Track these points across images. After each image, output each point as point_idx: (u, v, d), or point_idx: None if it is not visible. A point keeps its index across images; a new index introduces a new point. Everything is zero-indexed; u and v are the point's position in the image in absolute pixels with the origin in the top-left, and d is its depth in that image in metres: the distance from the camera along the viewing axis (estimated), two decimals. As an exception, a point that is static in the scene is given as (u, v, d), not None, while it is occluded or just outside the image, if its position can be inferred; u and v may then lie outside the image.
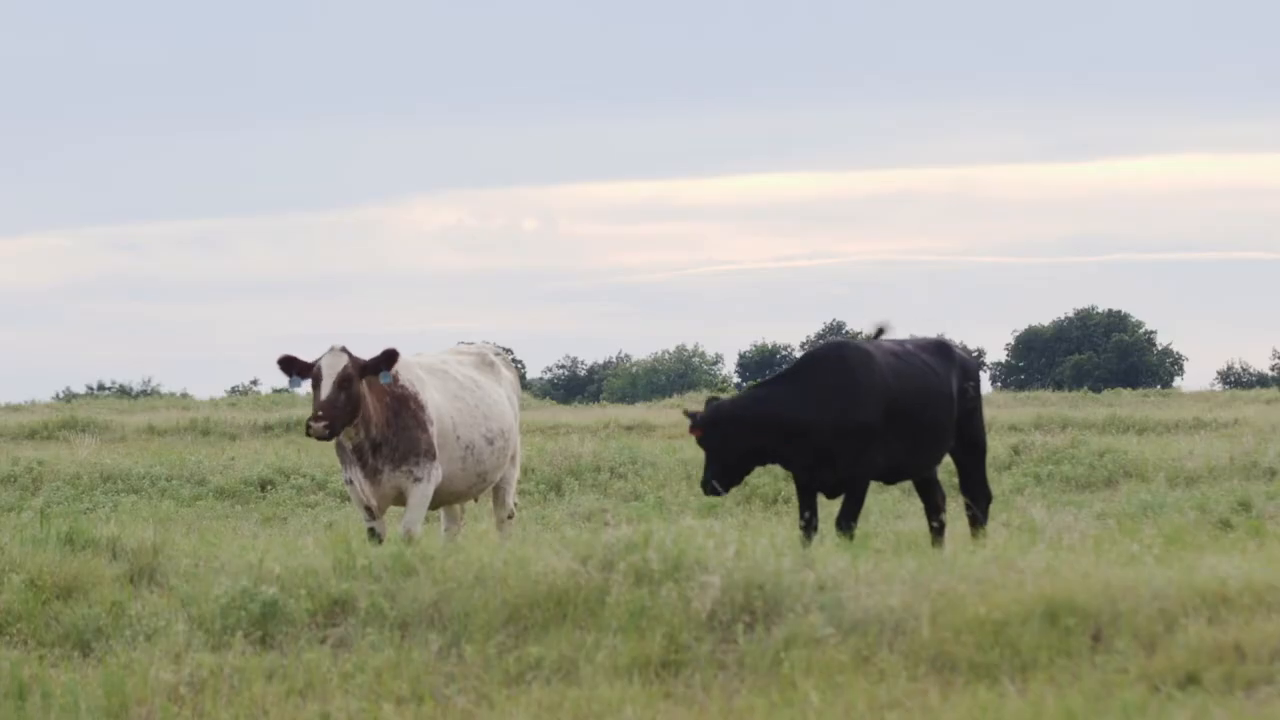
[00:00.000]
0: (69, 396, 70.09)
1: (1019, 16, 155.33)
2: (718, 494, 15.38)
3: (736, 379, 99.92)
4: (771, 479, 24.73)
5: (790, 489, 16.72)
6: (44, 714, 9.58)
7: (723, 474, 15.37)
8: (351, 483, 15.05)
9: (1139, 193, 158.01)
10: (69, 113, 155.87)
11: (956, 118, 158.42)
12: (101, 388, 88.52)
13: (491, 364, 16.40)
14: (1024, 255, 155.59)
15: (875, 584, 10.71)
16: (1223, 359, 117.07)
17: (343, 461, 15.13)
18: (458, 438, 15.41)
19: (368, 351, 14.96)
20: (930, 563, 11.29)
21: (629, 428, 37.08)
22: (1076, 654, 9.79)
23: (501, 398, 16.06)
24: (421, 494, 15.02)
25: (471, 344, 16.99)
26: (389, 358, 14.90)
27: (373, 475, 14.93)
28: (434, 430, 15.02)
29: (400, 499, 15.14)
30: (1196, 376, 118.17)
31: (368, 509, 15.09)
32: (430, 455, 14.97)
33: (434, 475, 15.05)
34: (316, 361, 14.77)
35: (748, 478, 25.22)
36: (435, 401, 15.25)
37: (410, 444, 14.91)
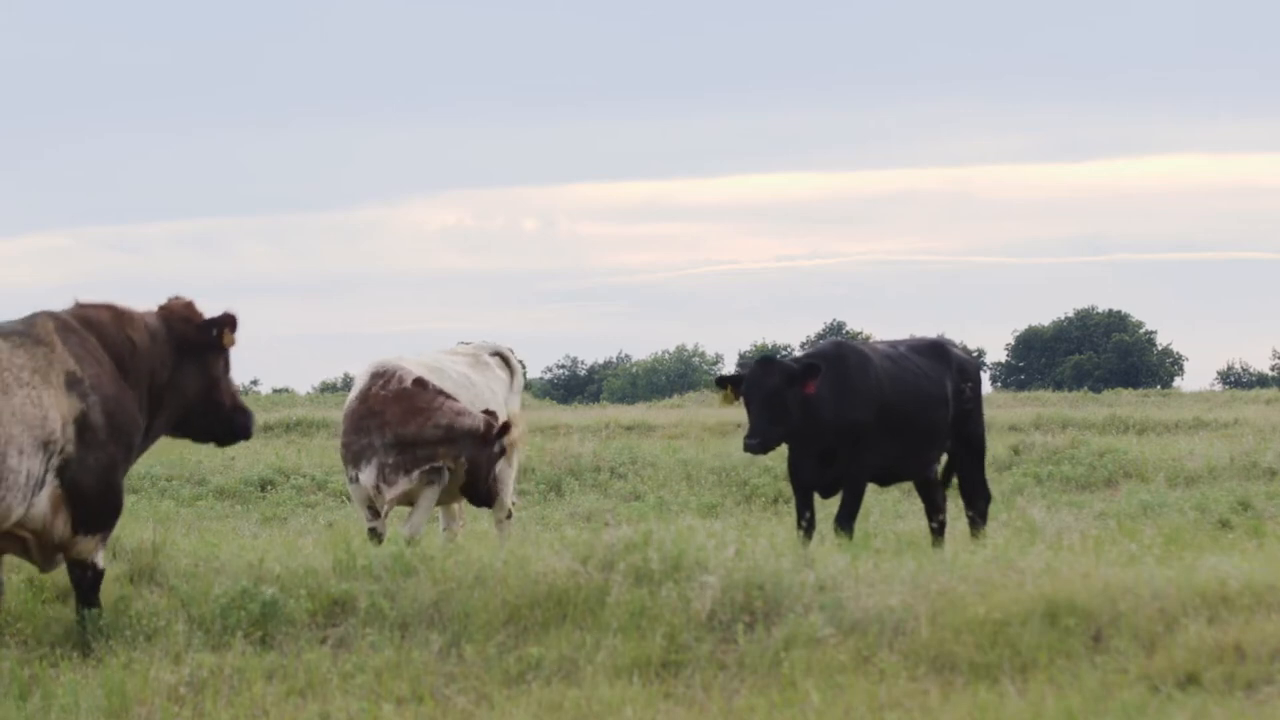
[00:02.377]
0: (69, 396, 69.97)
1: (1019, 16, 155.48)
2: (762, 449, 15.12)
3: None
4: (771, 479, 24.73)
5: (789, 489, 16.74)
6: (44, 714, 9.58)
7: (782, 429, 15.10)
8: (356, 481, 15.04)
9: (1139, 193, 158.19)
10: (69, 113, 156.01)
11: (956, 118, 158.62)
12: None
13: (486, 363, 16.41)
14: (1024, 255, 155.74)
15: (875, 584, 10.72)
16: (1223, 359, 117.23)
17: (347, 461, 15.12)
18: (458, 436, 15.42)
19: (373, 352, 15.01)
20: (930, 563, 11.29)
21: (629, 428, 37.07)
22: (1076, 654, 9.79)
23: (497, 396, 16.07)
24: (431, 496, 15.05)
25: (468, 344, 17.01)
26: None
27: (407, 479, 14.93)
28: None
29: (405, 499, 15.14)
30: (1196, 376, 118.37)
31: (371, 509, 15.09)
32: None
33: (443, 478, 15.06)
34: None
35: (747, 477, 25.32)
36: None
37: (427, 448, 14.90)
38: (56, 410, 11.28)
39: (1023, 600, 10.19)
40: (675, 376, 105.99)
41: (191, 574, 12.16)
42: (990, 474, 19.51)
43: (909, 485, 18.88)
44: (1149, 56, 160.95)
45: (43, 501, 11.26)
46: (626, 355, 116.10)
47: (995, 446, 26.43)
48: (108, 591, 11.80)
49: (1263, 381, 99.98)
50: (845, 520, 15.23)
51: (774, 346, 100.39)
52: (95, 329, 11.76)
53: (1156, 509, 20.18)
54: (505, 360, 16.80)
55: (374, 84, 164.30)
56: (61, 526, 11.38)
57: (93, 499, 11.40)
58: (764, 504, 23.81)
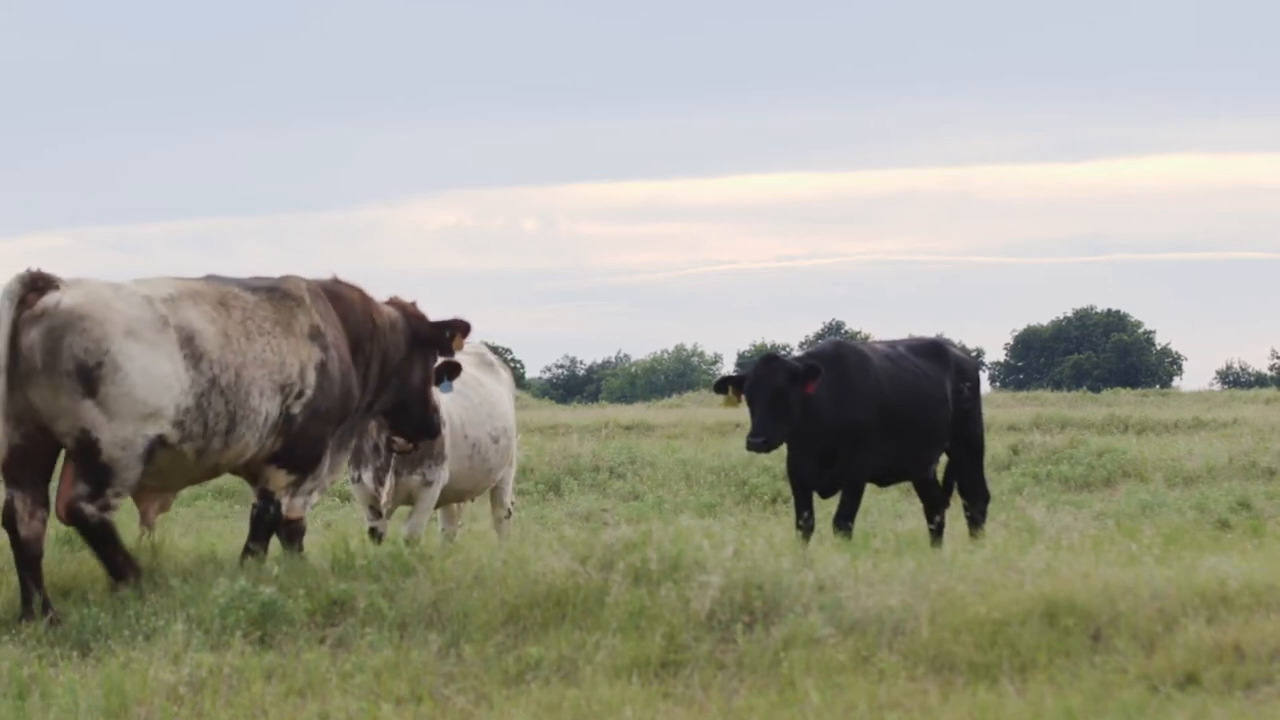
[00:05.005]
0: (68, 396, 69.89)
1: (1019, 16, 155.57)
2: (767, 447, 15.07)
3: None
4: (770, 479, 24.72)
5: (788, 489, 16.76)
6: (44, 714, 9.56)
7: (786, 427, 15.05)
8: (360, 480, 15.02)
9: (1139, 193, 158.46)
10: (69, 113, 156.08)
11: (956, 118, 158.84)
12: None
13: (491, 363, 16.41)
14: (1024, 255, 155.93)
15: (875, 584, 10.71)
16: (1222, 359, 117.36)
17: (350, 461, 15.09)
18: (465, 436, 15.41)
19: None
20: (930, 563, 11.28)
21: (628, 428, 37.09)
22: (1076, 654, 9.78)
23: (503, 396, 16.07)
24: (431, 496, 15.04)
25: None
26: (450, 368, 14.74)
27: (392, 477, 14.89)
28: (446, 431, 14.99)
29: (409, 499, 15.14)
30: (1195, 376, 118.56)
31: (373, 509, 15.08)
32: (442, 458, 14.97)
33: (443, 478, 15.06)
34: None
35: (746, 477, 25.31)
36: (443, 401, 15.21)
37: (426, 447, 14.87)
38: (295, 357, 12.26)
39: (1022, 600, 10.19)
40: (674, 376, 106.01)
41: (191, 574, 12.16)
42: (990, 474, 19.50)
43: (909, 485, 18.89)
44: (1149, 56, 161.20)
45: (270, 443, 12.29)
46: (626, 355, 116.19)
47: (994, 446, 26.42)
48: (107, 591, 11.81)
49: (1262, 381, 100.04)
50: (844, 520, 15.24)
51: (773, 346, 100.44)
52: (342, 302, 12.79)
53: (1156, 509, 20.18)
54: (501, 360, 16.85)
55: (374, 84, 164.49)
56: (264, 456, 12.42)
57: (300, 439, 12.40)
58: (763, 504, 23.80)
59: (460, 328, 13.26)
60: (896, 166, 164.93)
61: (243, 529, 20.06)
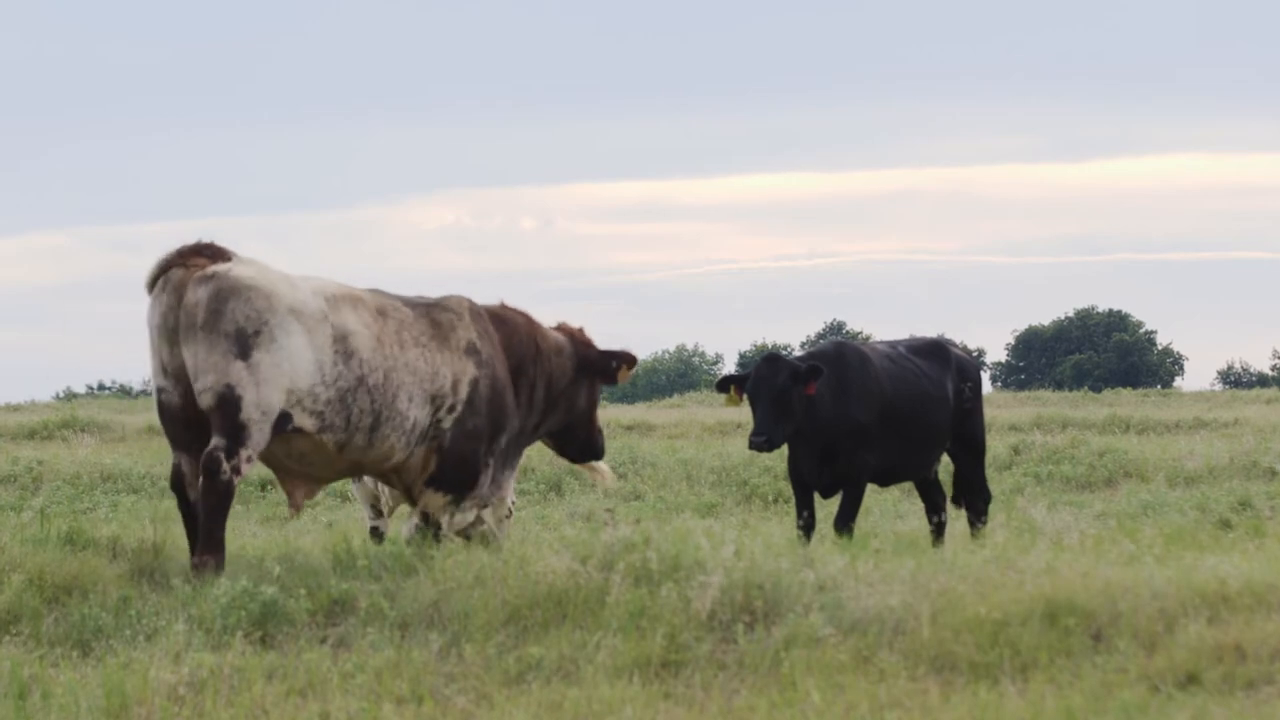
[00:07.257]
0: (69, 396, 70.01)
1: (1019, 16, 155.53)
2: (769, 447, 15.04)
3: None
4: (771, 479, 24.71)
5: (789, 489, 16.76)
6: (44, 714, 9.56)
7: (788, 427, 15.03)
8: (361, 479, 14.99)
9: (1139, 193, 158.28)
10: (69, 113, 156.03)
11: (956, 118, 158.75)
12: (101, 387, 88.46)
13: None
14: (1024, 255, 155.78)
15: (875, 584, 10.71)
16: (1223, 359, 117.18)
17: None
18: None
19: None
20: (930, 563, 11.29)
21: (629, 427, 37.06)
22: (1076, 654, 9.79)
23: (509, 397, 16.05)
24: None
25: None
26: None
27: None
28: None
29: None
30: (1196, 376, 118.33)
31: (374, 507, 15.05)
32: None
33: None
34: None
35: (747, 476, 25.30)
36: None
37: None
38: (449, 369, 12.71)
39: (1023, 600, 10.19)
40: (675, 376, 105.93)
41: (191, 574, 12.16)
42: (990, 474, 19.49)
43: (909, 485, 18.88)
44: (1149, 56, 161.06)
45: (419, 454, 12.77)
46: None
47: (995, 446, 26.40)
48: (108, 591, 11.81)
49: (1263, 381, 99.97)
50: (845, 520, 15.22)
51: (774, 346, 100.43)
52: (504, 325, 13.25)
53: (1157, 509, 20.16)
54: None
55: (373, 84, 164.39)
56: (423, 477, 12.91)
57: (453, 459, 12.87)
58: (764, 504, 23.78)
59: (627, 359, 13.76)
60: (896, 166, 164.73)
61: (243, 529, 20.08)
